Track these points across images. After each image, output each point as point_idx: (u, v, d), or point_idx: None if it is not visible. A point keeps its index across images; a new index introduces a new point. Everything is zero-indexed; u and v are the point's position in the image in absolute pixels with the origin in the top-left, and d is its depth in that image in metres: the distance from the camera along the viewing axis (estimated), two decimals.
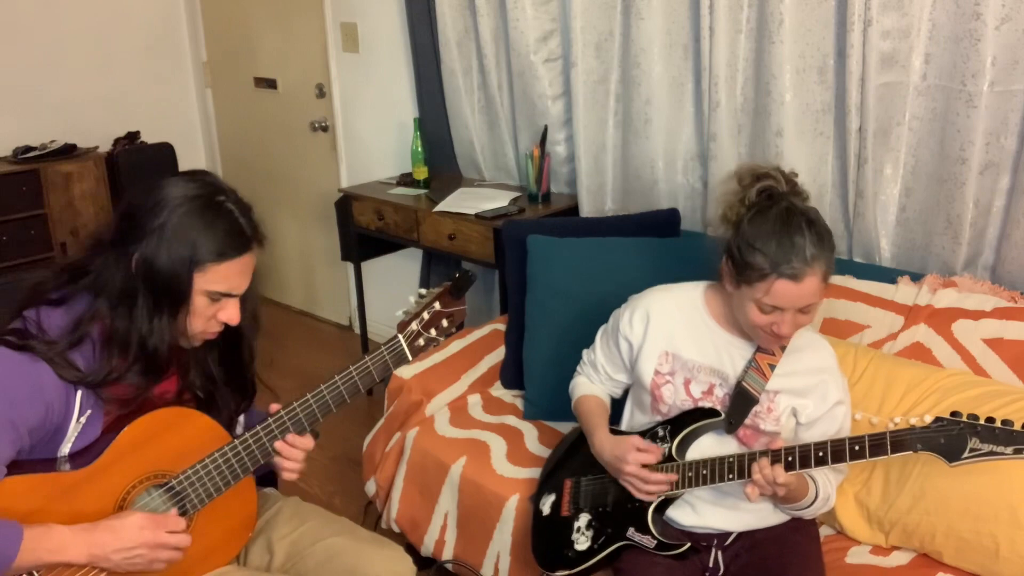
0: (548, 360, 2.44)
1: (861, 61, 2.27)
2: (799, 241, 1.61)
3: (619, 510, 1.84)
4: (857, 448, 1.60)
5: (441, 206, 3.15)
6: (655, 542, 1.78)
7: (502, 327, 2.74)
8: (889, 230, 2.43)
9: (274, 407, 1.60)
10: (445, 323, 1.62)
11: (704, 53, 2.57)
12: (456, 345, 2.69)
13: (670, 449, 1.79)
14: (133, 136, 4.35)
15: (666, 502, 1.81)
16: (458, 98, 3.35)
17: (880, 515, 1.91)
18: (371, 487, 2.51)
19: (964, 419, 1.54)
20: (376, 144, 3.91)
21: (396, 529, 2.43)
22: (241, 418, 1.71)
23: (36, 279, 1.51)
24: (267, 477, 1.85)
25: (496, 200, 3.14)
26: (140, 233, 1.44)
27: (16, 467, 1.41)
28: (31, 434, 1.42)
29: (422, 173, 3.43)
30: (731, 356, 1.81)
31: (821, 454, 1.63)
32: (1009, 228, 2.20)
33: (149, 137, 4.37)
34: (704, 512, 1.83)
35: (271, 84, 4.35)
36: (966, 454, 1.53)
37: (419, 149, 3.42)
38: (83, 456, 1.48)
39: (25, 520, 1.37)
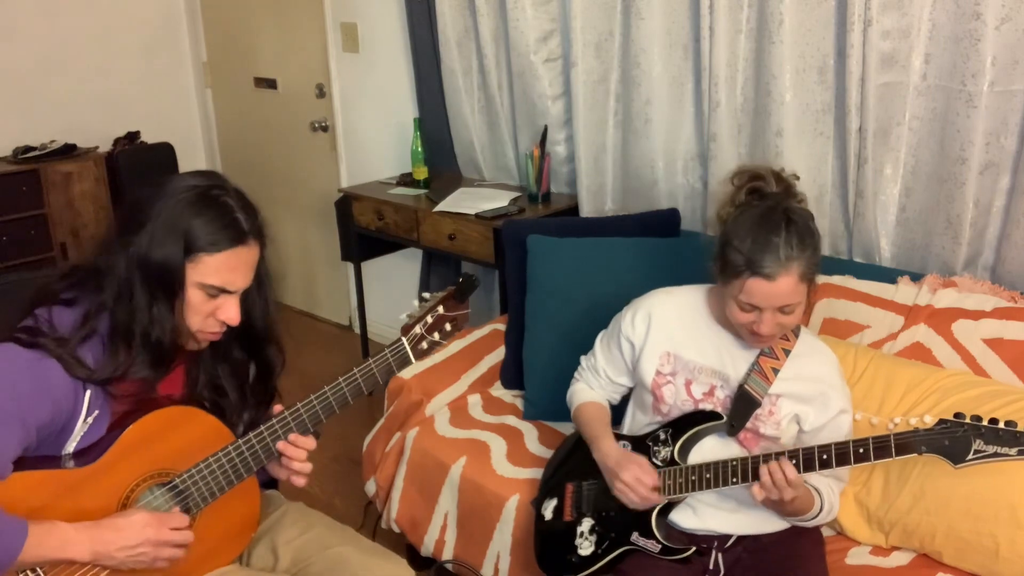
0: (548, 360, 2.44)
1: (861, 61, 2.27)
2: (775, 240, 1.62)
3: (623, 514, 1.82)
4: (861, 451, 1.60)
5: (441, 206, 3.15)
6: (660, 547, 1.77)
7: (502, 327, 2.74)
8: (889, 230, 2.43)
9: (277, 408, 1.60)
10: (448, 327, 1.62)
11: (704, 53, 2.58)
12: (456, 345, 2.68)
13: (672, 452, 1.79)
14: (133, 136, 4.34)
15: (669, 506, 1.81)
16: (458, 98, 3.35)
17: (880, 515, 1.91)
18: (371, 487, 2.51)
19: (968, 421, 1.54)
20: (376, 144, 3.90)
21: (396, 529, 2.43)
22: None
23: (46, 278, 1.51)
24: (270, 479, 1.85)
25: (496, 200, 3.14)
26: (139, 224, 1.44)
27: (21, 464, 1.41)
28: (38, 431, 1.42)
29: (422, 173, 3.43)
30: (732, 358, 1.81)
31: (825, 456, 1.63)
32: (1009, 228, 2.20)
33: (149, 137, 4.37)
34: (705, 515, 1.83)
35: (271, 84, 4.35)
36: (971, 456, 1.53)
37: (419, 149, 3.42)
38: (87, 454, 1.47)
39: (29, 517, 1.37)
